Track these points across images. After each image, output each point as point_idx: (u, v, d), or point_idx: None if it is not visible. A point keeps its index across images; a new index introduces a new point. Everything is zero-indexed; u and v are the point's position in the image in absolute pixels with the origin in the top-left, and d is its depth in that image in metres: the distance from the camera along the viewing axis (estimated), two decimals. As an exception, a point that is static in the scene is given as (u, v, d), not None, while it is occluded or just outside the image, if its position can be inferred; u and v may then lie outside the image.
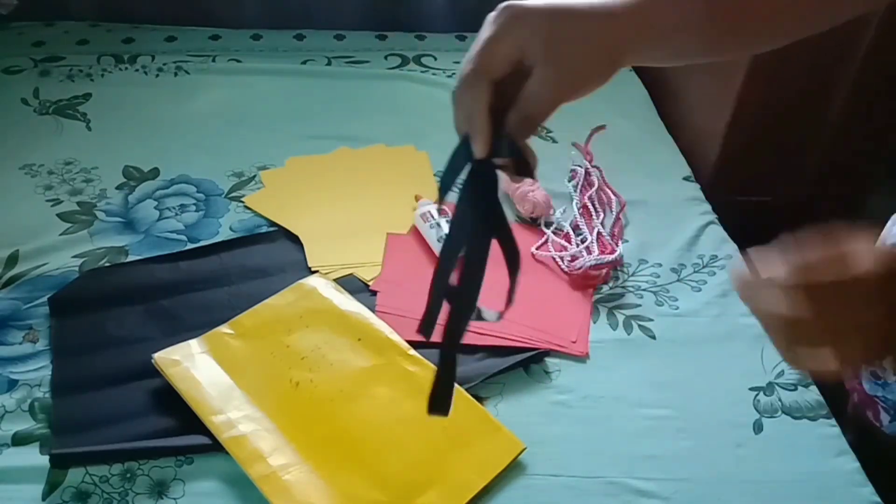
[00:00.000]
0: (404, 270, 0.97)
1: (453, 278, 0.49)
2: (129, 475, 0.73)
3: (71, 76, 1.29)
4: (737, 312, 0.94)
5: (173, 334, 0.85)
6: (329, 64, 1.37)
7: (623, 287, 0.97)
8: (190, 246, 0.99)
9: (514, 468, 0.76)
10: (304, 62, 1.37)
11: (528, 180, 1.06)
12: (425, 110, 1.25)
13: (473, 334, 0.88)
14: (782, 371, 0.87)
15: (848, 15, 0.54)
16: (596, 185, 1.10)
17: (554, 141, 1.20)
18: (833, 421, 0.83)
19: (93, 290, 0.91)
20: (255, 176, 1.11)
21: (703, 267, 1.01)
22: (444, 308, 0.49)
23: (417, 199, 1.05)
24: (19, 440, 0.76)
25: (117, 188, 1.07)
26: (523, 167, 0.49)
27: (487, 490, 0.74)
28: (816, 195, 1.27)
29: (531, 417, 0.81)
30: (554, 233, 1.03)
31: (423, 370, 0.82)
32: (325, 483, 0.72)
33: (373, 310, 0.89)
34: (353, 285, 0.94)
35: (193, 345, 0.83)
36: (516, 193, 1.06)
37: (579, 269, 0.96)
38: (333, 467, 0.74)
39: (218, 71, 1.33)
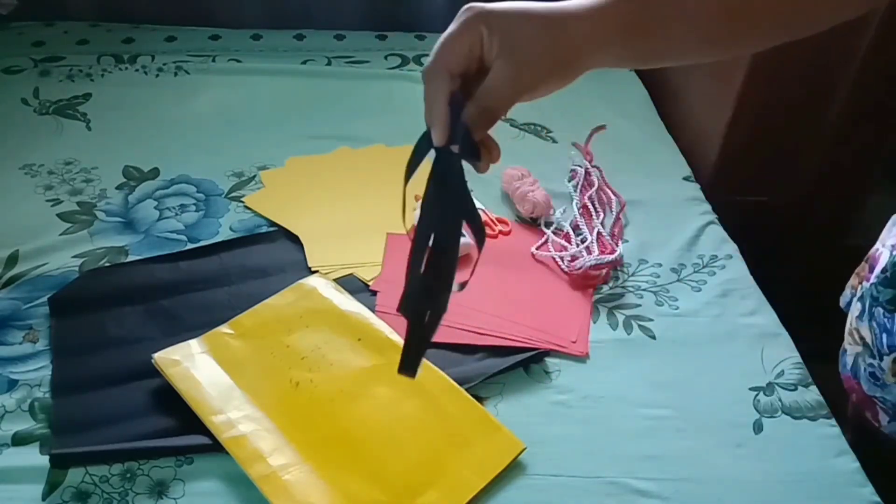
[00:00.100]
0: (404, 270, 0.96)
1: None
2: (129, 475, 0.73)
3: (71, 76, 1.29)
4: (737, 312, 0.94)
5: (173, 334, 0.85)
6: (329, 64, 1.37)
7: (623, 287, 0.97)
8: (190, 246, 0.99)
9: (514, 468, 0.76)
10: (304, 62, 1.37)
11: (529, 180, 1.08)
12: (425, 110, 1.25)
13: (473, 334, 0.88)
14: (782, 371, 0.87)
15: (848, 16, 0.54)
16: (596, 185, 1.10)
17: (554, 141, 1.20)
18: (833, 421, 0.83)
19: (93, 290, 0.91)
20: (255, 176, 1.11)
21: (703, 267, 1.01)
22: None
23: (417, 199, 1.05)
24: (19, 440, 0.76)
25: (117, 188, 1.07)
26: (473, 156, 0.53)
27: (487, 490, 0.74)
28: (816, 195, 1.27)
29: (531, 417, 0.81)
30: (554, 233, 1.03)
31: (423, 370, 0.82)
32: (325, 483, 0.72)
33: (373, 310, 0.89)
34: (353, 285, 0.94)
35: (193, 345, 0.83)
36: (516, 193, 1.06)
37: (579, 269, 0.96)
38: (333, 467, 0.74)
39: (218, 71, 1.33)
